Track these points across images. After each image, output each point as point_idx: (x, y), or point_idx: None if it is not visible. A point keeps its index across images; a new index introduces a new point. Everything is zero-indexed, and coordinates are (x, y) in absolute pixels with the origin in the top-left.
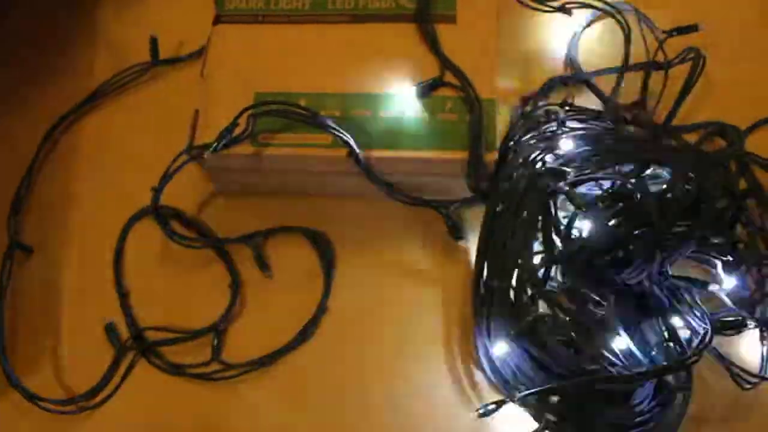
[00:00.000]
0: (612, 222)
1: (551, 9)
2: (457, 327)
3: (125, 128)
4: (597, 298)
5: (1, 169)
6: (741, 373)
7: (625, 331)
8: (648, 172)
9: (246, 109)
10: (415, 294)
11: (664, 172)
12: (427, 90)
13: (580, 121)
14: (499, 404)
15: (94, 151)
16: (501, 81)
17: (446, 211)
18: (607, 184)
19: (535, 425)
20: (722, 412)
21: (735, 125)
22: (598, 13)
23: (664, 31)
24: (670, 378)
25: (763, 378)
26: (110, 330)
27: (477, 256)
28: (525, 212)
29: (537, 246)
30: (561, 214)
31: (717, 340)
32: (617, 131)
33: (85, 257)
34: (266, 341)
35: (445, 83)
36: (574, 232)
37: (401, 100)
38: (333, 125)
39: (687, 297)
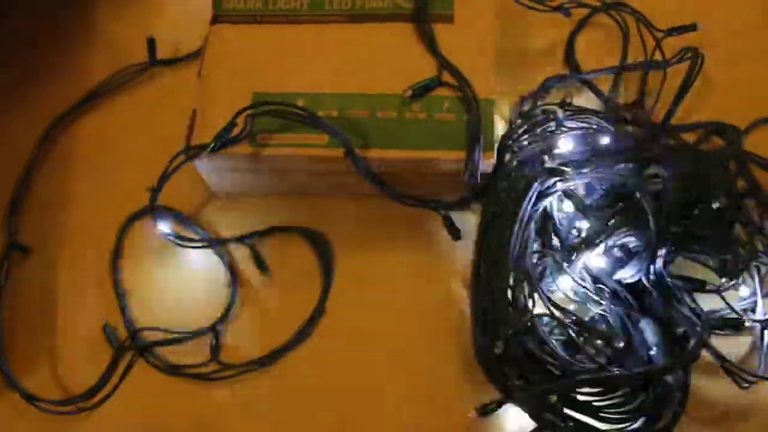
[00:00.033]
0: (611, 222)
1: (549, 8)
2: (456, 326)
3: (123, 128)
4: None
5: None
6: (739, 373)
7: (624, 330)
8: (646, 171)
9: (244, 109)
10: (414, 294)
11: (663, 172)
12: (425, 90)
13: (579, 120)
14: (498, 404)
15: (92, 151)
16: (499, 81)
17: (444, 210)
18: (605, 183)
19: (534, 424)
20: (720, 412)
21: (733, 124)
22: (596, 12)
23: (661, 31)
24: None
25: (760, 378)
26: (108, 330)
27: (475, 256)
28: (523, 212)
29: (535, 246)
30: (559, 213)
31: (715, 340)
32: (616, 131)
33: (82, 257)
34: (264, 341)
35: (442, 83)
36: (573, 232)
37: (399, 100)
38: (330, 125)
39: (685, 296)
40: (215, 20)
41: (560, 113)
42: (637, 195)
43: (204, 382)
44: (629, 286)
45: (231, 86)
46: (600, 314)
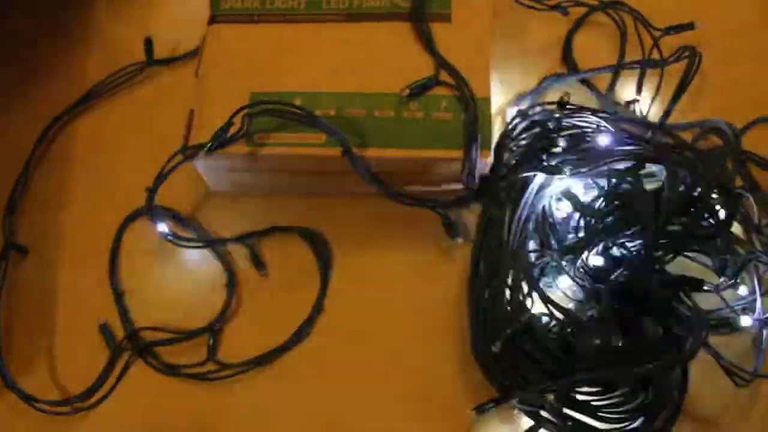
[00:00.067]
0: (608, 221)
1: (547, 7)
2: (454, 325)
3: (121, 128)
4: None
5: None
6: (737, 371)
7: (622, 329)
8: (644, 170)
9: (241, 109)
10: (412, 293)
11: (660, 171)
12: (422, 89)
13: (577, 119)
14: (496, 402)
15: (90, 150)
16: (496, 80)
17: (442, 210)
18: (603, 182)
19: (531, 423)
20: (718, 410)
21: (731, 123)
22: (594, 11)
23: (659, 30)
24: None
25: (758, 376)
26: (105, 330)
27: (473, 255)
28: (521, 211)
29: (533, 245)
30: (557, 213)
31: (713, 338)
32: (613, 129)
33: (80, 257)
34: (262, 341)
35: (440, 82)
36: (571, 231)
37: (396, 99)
38: (328, 124)
39: (683, 295)
40: (213, 20)
41: (557, 112)
42: (635, 194)
43: (202, 382)
44: (627, 286)
45: (228, 86)
46: (598, 313)
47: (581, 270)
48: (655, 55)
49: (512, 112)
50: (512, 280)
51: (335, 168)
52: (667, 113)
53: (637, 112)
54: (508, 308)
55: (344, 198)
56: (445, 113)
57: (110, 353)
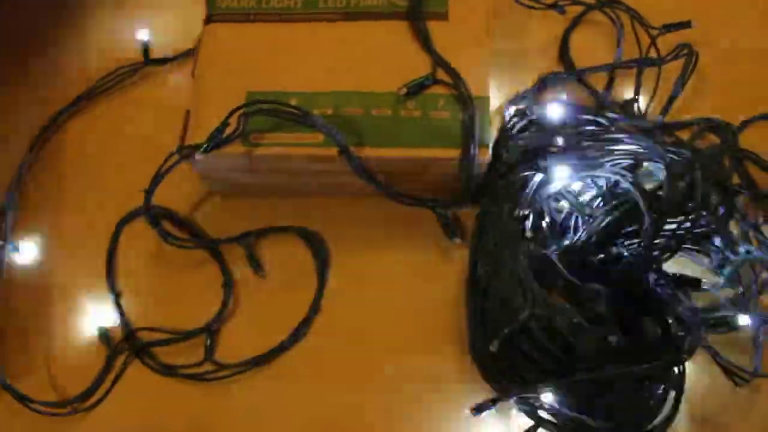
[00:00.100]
0: (606, 220)
1: (544, 6)
2: (452, 325)
3: (117, 128)
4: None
5: None
6: (735, 370)
7: (620, 328)
8: (641, 169)
9: (237, 109)
10: (410, 293)
11: (658, 169)
12: (420, 88)
13: (574, 118)
14: (494, 402)
15: (86, 151)
16: (494, 78)
17: (440, 209)
18: (600, 181)
19: (530, 422)
20: (716, 409)
21: (728, 121)
22: (591, 10)
23: (656, 28)
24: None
25: (757, 375)
26: (102, 331)
27: (471, 255)
28: (519, 210)
29: (531, 244)
30: (555, 212)
31: (711, 338)
32: (610, 128)
33: (77, 258)
34: (259, 341)
35: (437, 81)
36: (569, 230)
37: (393, 98)
38: (325, 124)
39: (681, 294)
40: (209, 19)
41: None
42: (632, 193)
43: (199, 383)
44: (625, 285)
45: (225, 85)
46: (595, 312)
47: (579, 269)
48: (653, 54)
49: (510, 110)
50: (509, 279)
51: (332, 168)
52: (664, 112)
53: (635, 111)
54: (506, 307)
55: (341, 198)
56: (443, 112)
57: (107, 354)
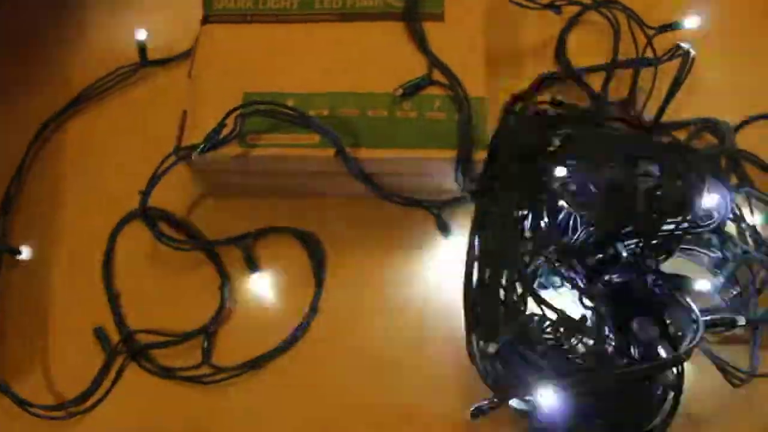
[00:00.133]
0: (603, 221)
1: (540, 6)
2: (449, 327)
3: (114, 129)
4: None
5: None
6: (731, 371)
7: (617, 329)
8: (638, 169)
9: (233, 110)
10: (407, 294)
11: (654, 169)
12: (416, 88)
13: (570, 118)
14: (492, 404)
15: (84, 152)
16: (490, 79)
17: (436, 210)
18: (598, 182)
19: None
20: (714, 409)
21: (725, 121)
22: (587, 10)
23: (653, 28)
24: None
25: (753, 375)
26: (100, 333)
27: (467, 256)
28: (515, 211)
29: (527, 245)
30: (551, 213)
31: (708, 338)
32: (607, 128)
33: (74, 260)
34: (257, 343)
35: (433, 81)
36: (565, 231)
37: (390, 98)
38: (321, 125)
39: (678, 295)
40: (206, 20)
41: (551, 111)
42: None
43: (196, 385)
44: (622, 285)
45: (221, 86)
46: (593, 313)
47: (576, 270)
48: (649, 54)
49: (506, 111)
50: (506, 281)
51: (328, 168)
52: (660, 112)
53: (631, 111)
54: (503, 309)
55: (338, 198)
56: (439, 113)
57: (105, 356)
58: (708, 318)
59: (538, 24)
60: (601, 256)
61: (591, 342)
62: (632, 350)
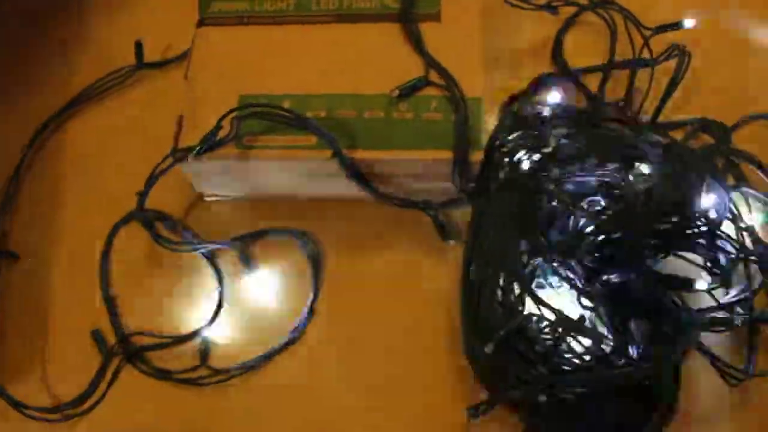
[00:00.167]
0: (599, 220)
1: (536, 7)
2: (446, 327)
3: (110, 131)
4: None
5: None
6: (728, 371)
7: (613, 329)
8: (634, 170)
9: (230, 112)
10: (404, 295)
11: (650, 170)
12: (412, 90)
13: (567, 119)
14: (489, 404)
15: (81, 154)
16: (487, 79)
17: (434, 211)
18: (594, 182)
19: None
20: (710, 410)
21: (721, 121)
22: (584, 10)
23: (649, 29)
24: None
25: (750, 375)
26: (97, 335)
27: (465, 256)
28: (512, 212)
29: (524, 245)
30: (548, 213)
31: (704, 338)
32: (604, 129)
33: (71, 262)
34: (254, 344)
35: (430, 82)
36: (562, 232)
37: (386, 100)
38: (317, 126)
39: (673, 295)
40: (201, 23)
41: (548, 112)
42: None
43: (194, 387)
44: (618, 286)
45: (217, 89)
46: (589, 314)
47: (573, 270)
48: (646, 54)
49: (502, 112)
50: (504, 282)
51: (326, 170)
52: (657, 112)
53: (628, 112)
54: (500, 310)
55: (335, 200)
56: (436, 114)
57: (102, 358)
58: (705, 318)
59: (534, 25)
60: (598, 255)
61: (589, 342)
62: (630, 350)
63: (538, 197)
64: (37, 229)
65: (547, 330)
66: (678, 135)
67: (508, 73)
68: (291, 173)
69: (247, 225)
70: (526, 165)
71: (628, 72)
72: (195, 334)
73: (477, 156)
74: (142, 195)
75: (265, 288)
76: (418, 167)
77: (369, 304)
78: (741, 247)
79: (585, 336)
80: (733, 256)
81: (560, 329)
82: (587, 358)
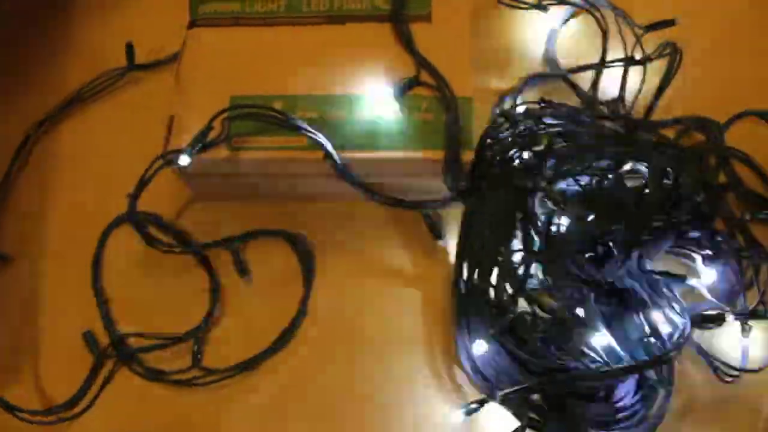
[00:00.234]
0: (590, 218)
1: (528, 6)
2: (438, 327)
3: (102, 134)
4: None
5: None
6: (722, 367)
7: (606, 326)
8: (626, 167)
9: (220, 113)
10: (396, 295)
11: (642, 167)
12: (403, 90)
13: (558, 118)
14: (481, 403)
15: (71, 157)
16: (478, 79)
17: (425, 211)
18: (585, 180)
19: (517, 423)
20: (704, 406)
21: (714, 119)
22: (575, 9)
23: (641, 27)
24: (651, 373)
25: (743, 371)
26: (89, 338)
27: (456, 256)
28: (503, 210)
29: (516, 244)
30: (539, 211)
31: (698, 334)
32: (595, 127)
33: (63, 264)
34: (247, 346)
35: (421, 83)
36: (553, 229)
37: (377, 100)
38: (308, 127)
39: (667, 291)
40: (192, 24)
41: (539, 111)
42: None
43: (187, 389)
44: (611, 283)
45: (208, 90)
46: (582, 311)
47: (565, 268)
48: (638, 53)
49: (494, 111)
50: (496, 280)
51: (317, 171)
52: (649, 110)
53: (620, 110)
54: (492, 309)
55: (327, 200)
56: (427, 114)
57: (94, 360)
58: (698, 314)
59: (525, 24)
60: (591, 254)
61: (581, 341)
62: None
63: (529, 196)
64: (29, 231)
65: (540, 328)
66: (670, 133)
67: (500, 72)
68: (282, 174)
69: (239, 226)
70: (516, 164)
71: (621, 70)
72: (188, 335)
73: (468, 155)
74: (134, 197)
75: (258, 289)
76: (410, 167)
77: (361, 304)
78: (734, 243)
79: (577, 334)
80: (725, 252)
81: (553, 328)
82: (581, 356)
